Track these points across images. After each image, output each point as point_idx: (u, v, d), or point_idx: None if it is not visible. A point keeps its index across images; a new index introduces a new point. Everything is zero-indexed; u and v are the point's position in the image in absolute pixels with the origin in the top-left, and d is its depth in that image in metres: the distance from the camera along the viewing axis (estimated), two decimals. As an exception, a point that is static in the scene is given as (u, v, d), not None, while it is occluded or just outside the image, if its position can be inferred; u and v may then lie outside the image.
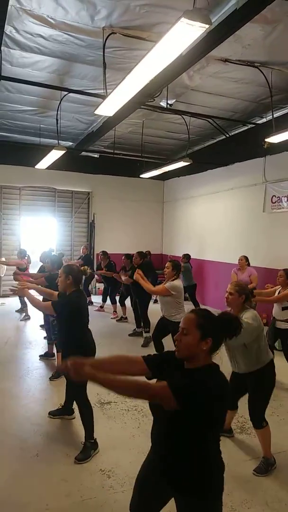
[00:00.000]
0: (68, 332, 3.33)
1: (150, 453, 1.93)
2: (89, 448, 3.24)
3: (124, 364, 1.91)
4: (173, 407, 1.58)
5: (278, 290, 5.02)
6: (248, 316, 3.00)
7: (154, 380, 1.82)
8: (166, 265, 4.89)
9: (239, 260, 7.22)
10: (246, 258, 7.19)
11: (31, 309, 6.94)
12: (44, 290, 3.77)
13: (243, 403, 3.30)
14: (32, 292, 3.56)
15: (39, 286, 4.02)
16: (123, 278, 7.22)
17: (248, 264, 7.17)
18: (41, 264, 6.73)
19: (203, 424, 1.65)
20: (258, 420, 3.14)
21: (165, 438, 1.79)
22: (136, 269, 6.75)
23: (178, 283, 4.79)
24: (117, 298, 8.57)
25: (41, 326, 7.01)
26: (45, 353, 5.70)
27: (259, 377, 3.12)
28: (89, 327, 3.51)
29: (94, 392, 4.31)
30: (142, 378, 1.79)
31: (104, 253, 8.78)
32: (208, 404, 1.61)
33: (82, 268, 3.57)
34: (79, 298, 3.35)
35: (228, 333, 1.83)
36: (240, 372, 3.21)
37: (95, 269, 10.01)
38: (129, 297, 7.76)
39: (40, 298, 3.71)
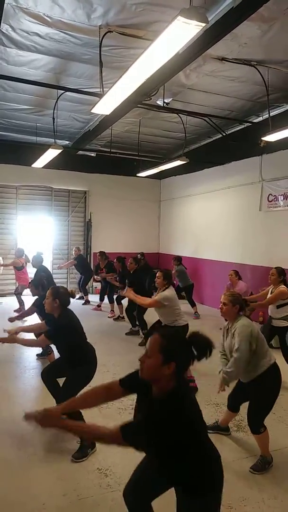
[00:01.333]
0: (70, 351, 3.38)
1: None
2: (85, 447, 3.24)
3: (100, 394, 1.96)
4: (129, 446, 1.67)
5: (271, 289, 5.02)
6: (241, 324, 3.08)
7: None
8: (157, 275, 4.83)
9: (229, 275, 7.01)
10: (236, 273, 6.97)
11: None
12: (32, 328, 4.15)
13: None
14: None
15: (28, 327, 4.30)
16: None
17: (239, 278, 6.96)
18: (36, 269, 7.02)
19: (182, 450, 1.66)
20: (256, 427, 3.08)
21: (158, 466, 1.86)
22: (130, 274, 6.87)
23: (169, 292, 4.68)
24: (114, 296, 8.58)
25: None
26: (42, 352, 5.68)
27: (259, 384, 3.04)
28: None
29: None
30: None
31: (102, 253, 8.73)
32: (170, 438, 1.60)
33: (70, 290, 3.63)
34: (68, 318, 3.42)
35: (196, 357, 1.73)
36: (242, 380, 3.21)
37: (92, 269, 10.01)
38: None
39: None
